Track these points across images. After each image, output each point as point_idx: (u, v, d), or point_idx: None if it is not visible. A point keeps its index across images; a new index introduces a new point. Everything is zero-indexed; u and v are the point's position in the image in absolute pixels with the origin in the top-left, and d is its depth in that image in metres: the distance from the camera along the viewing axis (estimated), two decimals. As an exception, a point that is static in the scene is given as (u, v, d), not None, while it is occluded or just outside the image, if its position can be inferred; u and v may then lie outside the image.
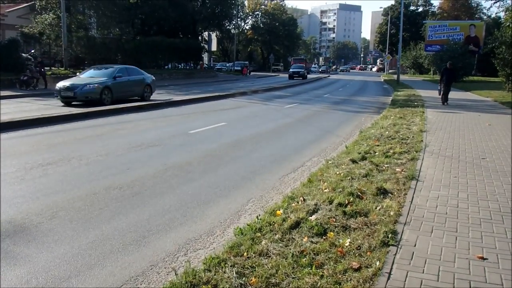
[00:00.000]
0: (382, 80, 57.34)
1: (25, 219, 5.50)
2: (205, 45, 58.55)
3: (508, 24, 27.36)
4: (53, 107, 17.20)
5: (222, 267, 3.97)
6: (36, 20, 36.15)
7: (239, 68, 63.82)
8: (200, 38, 58.84)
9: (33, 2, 40.32)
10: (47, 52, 35.40)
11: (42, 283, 4.01)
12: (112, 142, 10.78)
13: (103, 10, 40.82)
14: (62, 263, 4.40)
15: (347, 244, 4.45)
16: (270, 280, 3.76)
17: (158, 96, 23.65)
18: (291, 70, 57.49)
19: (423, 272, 3.94)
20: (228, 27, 70.75)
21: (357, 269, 3.95)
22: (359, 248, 4.39)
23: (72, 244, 4.84)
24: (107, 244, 4.87)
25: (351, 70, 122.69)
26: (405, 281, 3.79)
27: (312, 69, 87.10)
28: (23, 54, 29.97)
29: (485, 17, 68.95)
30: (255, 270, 3.93)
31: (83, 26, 39.60)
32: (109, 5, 40.25)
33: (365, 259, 4.16)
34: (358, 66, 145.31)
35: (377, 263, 4.05)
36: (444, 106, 20.01)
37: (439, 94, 21.59)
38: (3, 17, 39.30)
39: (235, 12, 66.82)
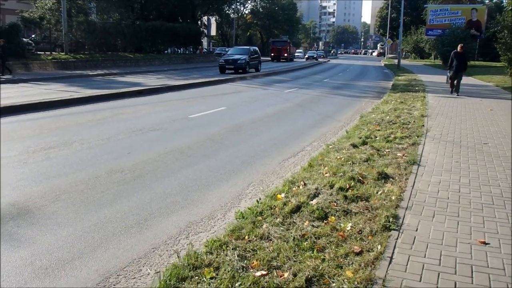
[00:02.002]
0: (383, 64, 57.19)
1: (28, 202, 5.53)
2: (204, 30, 58.19)
3: (510, 8, 27.13)
4: (54, 91, 17.16)
5: (223, 250, 4.00)
6: (36, 5, 35.88)
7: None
8: (199, 22, 58.45)
9: (33, -15, 39.98)
10: (47, 37, 35.15)
11: (46, 264, 4.05)
12: (113, 126, 10.78)
13: (102, -6, 40.54)
14: (65, 245, 4.44)
15: (348, 228, 4.48)
16: (271, 263, 3.79)
17: (158, 81, 23.65)
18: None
19: (424, 257, 3.97)
20: (227, 11, 70.30)
21: (359, 253, 3.98)
22: (360, 232, 4.42)
23: (75, 227, 4.87)
24: (110, 227, 4.91)
25: (352, 54, 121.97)
26: (406, 265, 3.82)
27: (297, 54, 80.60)
28: (23, 39, 29.79)
29: (487, 1, 68.36)
30: (256, 253, 3.96)
31: (83, 11, 39.28)
32: (109, -11, 39.96)
33: (366, 243, 4.19)
34: (353, 50, 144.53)
35: (379, 247, 4.07)
36: (447, 91, 18.82)
37: (447, 82, 19.01)
38: (3, 2, 38.97)
39: (234, -4, 66.38)
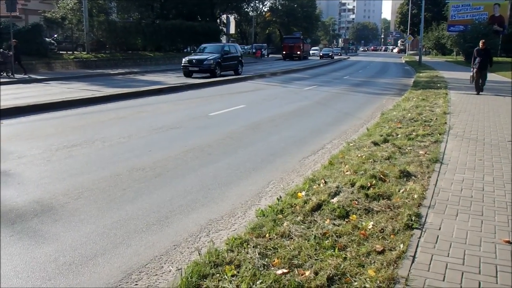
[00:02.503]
0: (403, 61, 56.52)
1: (52, 199, 5.61)
2: (223, 28, 58.25)
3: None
4: (76, 90, 17.40)
5: (244, 248, 4.00)
6: (58, 5, 36.38)
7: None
8: (218, 21, 58.60)
9: (55, -14, 40.57)
10: (69, 37, 35.66)
11: (69, 260, 4.10)
12: (134, 124, 10.88)
13: (123, -6, 40.95)
14: (88, 242, 4.49)
15: (370, 227, 4.44)
16: (292, 261, 3.77)
17: (178, 80, 23.79)
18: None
19: (448, 256, 3.91)
20: (246, 9, 70.34)
21: (381, 252, 3.94)
22: (382, 231, 4.37)
23: (97, 224, 4.92)
24: (131, 224, 4.95)
25: (372, 51, 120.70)
26: (429, 264, 3.77)
27: (312, 51, 75.52)
28: (46, 39, 30.24)
29: (510, -4, 67.00)
30: (277, 251, 3.95)
31: (104, 11, 39.71)
32: (129, -11, 40.35)
33: (388, 242, 4.14)
34: (372, 47, 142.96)
35: (401, 246, 4.02)
36: (470, 88, 18.10)
37: (471, 82, 17.51)
38: (27, 2, 39.63)
39: (253, -6, 66.32)
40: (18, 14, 33.37)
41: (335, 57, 69.15)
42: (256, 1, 75.21)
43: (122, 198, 5.73)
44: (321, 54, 69.37)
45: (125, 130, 10.03)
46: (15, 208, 5.29)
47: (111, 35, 36.73)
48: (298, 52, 57.90)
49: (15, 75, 22.32)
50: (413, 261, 3.80)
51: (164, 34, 41.17)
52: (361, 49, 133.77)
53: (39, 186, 6.12)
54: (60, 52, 32.55)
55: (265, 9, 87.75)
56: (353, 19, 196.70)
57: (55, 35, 36.50)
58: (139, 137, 9.34)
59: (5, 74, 22.05)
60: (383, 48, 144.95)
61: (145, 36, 39.97)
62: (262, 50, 65.12)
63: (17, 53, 22.79)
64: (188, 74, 25.40)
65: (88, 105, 13.87)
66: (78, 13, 34.91)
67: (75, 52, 33.00)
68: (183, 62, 25.89)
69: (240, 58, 28.89)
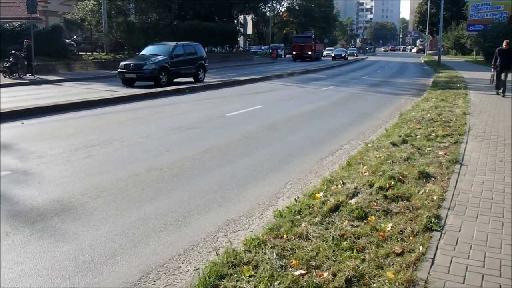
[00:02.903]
0: (422, 61, 55.96)
1: (71, 198, 5.68)
2: (240, 29, 58.41)
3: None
4: (95, 90, 17.59)
5: (262, 248, 3.99)
6: (78, 7, 36.85)
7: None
8: (235, 21, 58.76)
9: (74, -12, 41.11)
10: (88, 38, 36.11)
11: (89, 259, 4.14)
12: (151, 124, 10.96)
13: (141, -4, 41.31)
14: (107, 241, 4.53)
15: (388, 229, 4.40)
16: (310, 262, 3.75)
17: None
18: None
19: (468, 258, 3.86)
20: (263, 10, 70.30)
21: (400, 254, 3.90)
22: (401, 232, 4.33)
23: (116, 223, 4.97)
24: (150, 223, 4.98)
25: (390, 51, 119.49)
26: (449, 266, 3.72)
27: (326, 51, 71.63)
28: (65, 40, 30.63)
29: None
30: (295, 252, 3.93)
31: (122, 12, 40.11)
32: (147, -10, 40.69)
33: (407, 244, 4.10)
34: (390, 47, 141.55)
35: (420, 248, 3.98)
36: (490, 88, 17.72)
37: (491, 82, 17.13)
38: (47, 4, 40.23)
39: (270, -6, 66.26)
40: (38, 15, 33.76)
41: (351, 58, 66.20)
42: (274, 2, 75.10)
43: (140, 198, 5.77)
44: (333, 55, 62.64)
45: (143, 130, 10.11)
46: (36, 207, 5.37)
47: (130, 36, 37.07)
48: (309, 53, 54.79)
49: (28, 75, 22.46)
50: (432, 264, 3.76)
51: (181, 35, 41.33)
52: (382, 49, 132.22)
53: (59, 185, 6.19)
54: (80, 53, 32.97)
55: (282, 10, 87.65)
56: (371, 19, 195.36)
57: (75, 36, 36.98)
58: (157, 137, 9.40)
59: (17, 75, 22.02)
60: (402, 48, 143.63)
61: (162, 37, 40.15)
62: (279, 50, 64.86)
63: (29, 54, 22.63)
64: (126, 82, 19.98)
65: (107, 105, 14.01)
66: (97, 15, 35.31)
67: (94, 53, 33.40)
68: (119, 67, 20.53)
69: (202, 62, 22.78)
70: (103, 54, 32.90)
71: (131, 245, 4.47)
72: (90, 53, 32.73)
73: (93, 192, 5.92)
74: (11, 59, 22.05)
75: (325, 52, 70.97)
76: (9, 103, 13.22)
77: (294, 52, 55.92)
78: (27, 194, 5.79)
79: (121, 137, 9.25)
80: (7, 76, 21.82)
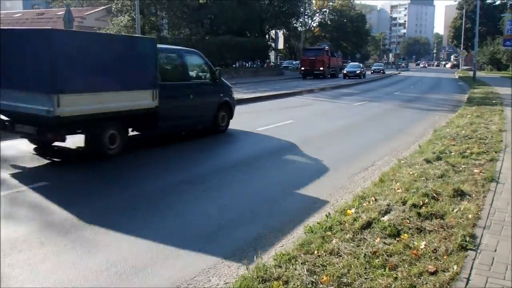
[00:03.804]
0: (457, 77, 54.99)
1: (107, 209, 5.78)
2: (272, 44, 58.73)
3: None
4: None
5: (292, 264, 3.97)
6: (112, 22, 37.84)
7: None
8: (267, 36, 59.14)
9: (109, 5, 42.24)
10: (122, 52, 37.00)
11: (121, 270, 4.20)
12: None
13: (174, 11, 42.06)
14: (139, 253, 4.58)
15: (422, 247, 4.30)
16: (341, 279, 3.71)
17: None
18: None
19: (504, 279, 3.74)
20: (295, 25, 70.53)
21: (433, 273, 3.81)
22: (435, 251, 4.23)
23: (148, 235, 5.02)
24: (180, 236, 5.02)
25: (422, 67, 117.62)
26: (484, 287, 3.62)
27: (349, 68, 50.48)
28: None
29: None
30: (326, 269, 3.89)
31: (155, 27, 40.98)
32: (180, 6, 41.40)
33: (441, 262, 4.00)
34: (424, 62, 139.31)
35: (455, 267, 3.88)
36: None
37: None
38: (83, 20, 41.47)
39: (302, 9, 66.38)
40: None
41: (374, 75, 55.19)
42: (305, 17, 75.35)
43: (170, 210, 5.83)
44: (345, 72, 48.88)
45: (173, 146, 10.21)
46: (70, 218, 5.48)
47: (163, 51, 37.75)
48: (322, 68, 44.18)
49: None
50: (467, 283, 3.67)
51: (213, 50, 41.84)
52: (421, 64, 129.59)
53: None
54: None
55: (314, 25, 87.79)
56: (404, 33, 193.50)
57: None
58: (188, 152, 9.49)
59: None
60: (436, 63, 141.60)
61: (195, 52, 40.85)
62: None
63: None
64: None
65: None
66: (131, 30, 36.11)
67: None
68: None
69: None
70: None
71: (162, 257, 4.51)
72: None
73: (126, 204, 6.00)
74: None
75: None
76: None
77: (302, 68, 45.88)
78: (62, 205, 5.92)
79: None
80: None
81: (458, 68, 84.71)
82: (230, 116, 12.22)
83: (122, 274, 4.15)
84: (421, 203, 5.47)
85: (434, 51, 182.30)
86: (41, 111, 7.41)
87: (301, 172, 8.04)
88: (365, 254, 4.12)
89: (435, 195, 5.81)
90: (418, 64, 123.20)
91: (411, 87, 35.67)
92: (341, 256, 4.14)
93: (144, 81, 8.98)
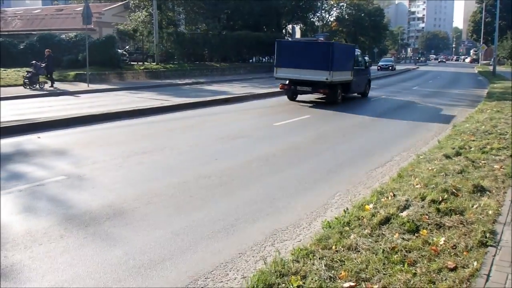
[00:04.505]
0: (476, 71, 54.21)
1: (123, 203, 5.83)
2: (289, 38, 58.46)
3: None
4: (146, 99, 18.03)
5: (310, 259, 3.96)
6: (130, 18, 38.02)
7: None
8: (284, 31, 58.87)
9: (127, 0, 42.47)
10: (140, 48, 37.16)
11: (139, 263, 4.23)
12: (200, 133, 11.13)
13: (191, 7, 42.14)
14: (157, 246, 4.61)
15: (441, 243, 4.26)
16: (360, 275, 3.69)
17: (243, 89, 24.08)
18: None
19: (525, 275, 3.69)
20: (312, 19, 70.06)
21: (453, 269, 3.78)
22: (454, 247, 4.19)
23: (165, 229, 5.05)
24: (198, 230, 5.04)
25: (440, 62, 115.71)
26: (505, 284, 3.57)
27: (382, 62, 55.28)
28: (118, 50, 31.61)
29: None
30: (344, 264, 3.87)
31: (172, 23, 41.05)
32: (197, 2, 41.44)
33: (461, 259, 3.96)
34: (443, 57, 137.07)
35: (475, 263, 3.84)
36: None
37: None
38: (101, 15, 41.75)
39: (319, 4, 65.99)
40: (93, 26, 35.04)
41: (382, 72, 48.61)
42: (323, 11, 74.84)
43: (189, 205, 5.86)
44: (378, 66, 49.70)
45: (193, 138, 10.27)
46: (89, 211, 5.54)
47: (179, 46, 37.85)
48: None
49: (47, 86, 21.47)
50: (487, 280, 3.62)
51: (230, 45, 41.90)
52: (442, 58, 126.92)
53: (112, 191, 6.37)
54: (131, 63, 33.90)
55: (332, 19, 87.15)
56: (423, 28, 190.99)
57: (127, 47, 38.12)
58: (206, 146, 9.53)
59: (37, 86, 20.91)
60: (455, 57, 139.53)
61: (211, 47, 40.85)
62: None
63: (49, 64, 21.81)
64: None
65: (157, 114, 14.32)
66: (149, 25, 36.27)
67: (145, 62, 34.26)
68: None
69: None
70: (153, 64, 33.69)
71: (180, 251, 4.54)
72: (141, 63, 33.58)
73: (144, 198, 6.05)
74: (32, 69, 21.07)
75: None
76: (54, 112, 13.76)
77: None
78: (81, 199, 5.99)
79: (171, 145, 9.43)
80: (28, 87, 20.69)
81: (478, 63, 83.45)
82: (369, 88, 22.22)
83: (140, 267, 4.18)
84: (441, 199, 5.42)
85: (453, 45, 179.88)
86: (322, 79, 16.76)
87: (318, 167, 8.01)
88: (383, 250, 4.10)
89: (455, 191, 5.75)
90: (436, 59, 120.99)
91: (430, 82, 35.26)
92: (359, 251, 4.12)
93: (350, 66, 18.79)
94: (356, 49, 20.62)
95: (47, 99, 18.05)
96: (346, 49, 20.15)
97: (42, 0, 74.02)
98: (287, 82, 17.98)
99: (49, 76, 22.03)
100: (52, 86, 21.87)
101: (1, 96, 17.00)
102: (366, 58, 24.17)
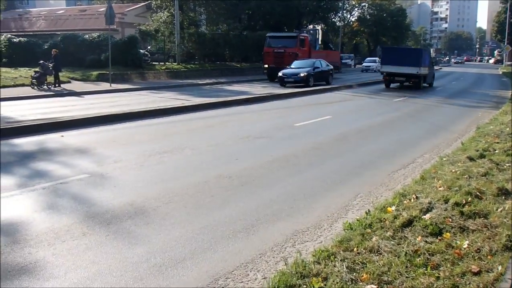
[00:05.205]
0: (501, 72, 53.23)
1: (144, 202, 5.87)
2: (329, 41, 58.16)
3: None
4: (167, 99, 18.18)
5: (331, 261, 3.93)
6: (152, 18, 38.40)
7: (344, 61, 61.98)
8: (304, 31, 58.70)
9: (149, 1, 42.86)
10: (161, 48, 37.48)
11: (160, 262, 4.26)
12: (221, 133, 11.16)
13: (212, 7, 42.34)
14: (178, 245, 4.64)
15: (465, 246, 4.19)
16: (382, 277, 3.64)
17: (264, 90, 24.08)
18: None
19: (552, 281, 3.60)
20: (333, 19, 69.72)
21: (477, 273, 3.71)
22: (478, 251, 4.11)
23: (186, 228, 5.07)
24: (218, 230, 5.04)
25: (466, 62, 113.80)
26: (531, 289, 3.48)
27: (368, 63, 50.57)
28: (140, 50, 31.91)
29: None
30: (366, 266, 3.83)
31: (194, 23, 41.29)
32: (218, 2, 41.62)
33: (485, 263, 3.89)
34: (465, 58, 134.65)
35: (499, 268, 3.76)
36: None
37: None
38: (123, 16, 42.19)
39: (341, 4, 65.62)
40: (115, 27, 35.44)
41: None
42: (344, 11, 74.38)
43: (209, 205, 5.87)
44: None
45: (213, 138, 10.30)
46: (111, 209, 5.60)
47: (201, 46, 38.05)
48: None
49: (54, 86, 21.49)
50: (513, 285, 3.54)
51: (250, 45, 41.93)
52: (458, 59, 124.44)
53: (133, 189, 6.43)
54: (153, 63, 34.19)
55: (353, 19, 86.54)
56: (446, 28, 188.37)
57: (149, 47, 38.45)
58: (226, 146, 9.56)
59: (45, 86, 20.96)
60: (478, 58, 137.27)
61: (232, 47, 40.96)
62: (348, 60, 64.00)
63: (56, 64, 21.73)
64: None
65: (178, 113, 14.41)
66: (170, 26, 36.56)
67: (167, 63, 34.51)
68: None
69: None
70: (175, 64, 33.95)
71: (200, 250, 4.55)
72: (162, 63, 33.86)
73: (165, 197, 6.09)
74: (39, 69, 21.06)
75: (364, 64, 53.44)
76: (72, 112, 13.94)
77: (265, 65, 32.54)
78: (103, 197, 6.06)
79: (192, 145, 9.47)
80: (35, 88, 20.63)
81: (502, 64, 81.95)
82: (434, 79, 30.06)
83: (162, 266, 4.20)
84: (464, 202, 5.33)
85: (477, 46, 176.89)
86: (414, 72, 25.00)
87: (340, 168, 7.96)
88: (406, 253, 4.05)
89: (479, 194, 5.64)
90: (459, 62, 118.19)
91: (453, 83, 34.76)
92: (381, 254, 4.07)
93: (428, 64, 26.99)
94: (429, 52, 31.73)
95: (53, 99, 18.20)
96: (427, 52, 29.16)
97: (66, 1, 75.18)
98: (384, 74, 26.59)
99: (55, 75, 21.84)
100: (56, 86, 21.71)
101: (8, 96, 17.19)
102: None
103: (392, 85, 26.77)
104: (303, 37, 34.27)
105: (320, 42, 66.12)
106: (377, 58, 50.92)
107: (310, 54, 33.50)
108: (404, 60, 24.97)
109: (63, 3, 69.35)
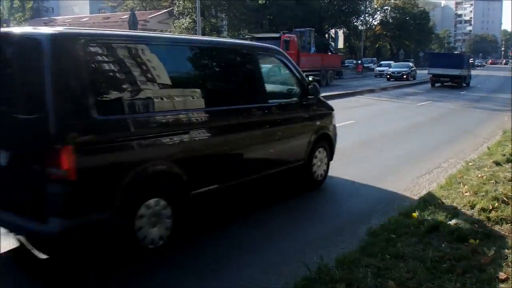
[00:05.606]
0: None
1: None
2: (331, 43, 58.02)
3: None
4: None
5: (355, 267, 3.92)
6: (174, 25, 38.77)
7: (367, 65, 61.62)
8: (326, 35, 58.56)
9: (171, 8, 43.32)
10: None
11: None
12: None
13: (234, 13, 42.55)
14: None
15: (492, 253, 4.13)
16: (407, 284, 3.62)
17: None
18: None
19: None
20: (355, 23, 69.45)
21: (504, 280, 3.67)
22: (505, 257, 4.05)
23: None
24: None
25: (490, 65, 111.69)
26: (558, 296, 3.42)
27: (381, 68, 46.83)
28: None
29: None
30: (390, 272, 3.81)
31: (216, 29, 41.58)
32: (239, 8, 41.83)
33: (513, 270, 3.83)
34: (490, 60, 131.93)
35: (527, 275, 3.71)
36: None
37: None
38: (146, 23, 42.74)
39: (363, 8, 65.29)
40: (139, 34, 35.92)
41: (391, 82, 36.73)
42: (366, 15, 73.97)
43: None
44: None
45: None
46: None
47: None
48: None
49: None
50: (540, 293, 3.48)
51: (272, 50, 41.98)
52: (478, 62, 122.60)
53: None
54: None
55: (375, 23, 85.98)
56: (470, 31, 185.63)
57: (172, 53, 38.81)
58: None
59: None
60: (504, 61, 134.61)
61: (254, 53, 41.07)
62: (371, 65, 63.49)
63: None
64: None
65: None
66: (193, 32, 36.85)
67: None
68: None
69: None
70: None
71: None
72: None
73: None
74: None
75: (378, 68, 49.49)
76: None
77: None
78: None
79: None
80: None
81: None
82: (470, 79, 36.03)
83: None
84: (491, 207, 5.26)
85: (502, 48, 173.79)
86: (457, 73, 31.36)
87: (363, 173, 7.89)
88: (431, 259, 4.01)
89: (506, 199, 5.55)
90: (481, 65, 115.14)
91: (478, 86, 34.23)
92: (406, 260, 4.04)
93: (467, 66, 34.04)
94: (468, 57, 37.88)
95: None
96: (467, 57, 36.61)
97: (90, 7, 76.50)
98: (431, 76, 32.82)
99: None
100: None
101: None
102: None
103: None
104: (287, 39, 29.29)
105: (342, 46, 65.70)
106: (391, 62, 49.34)
107: (298, 57, 28.00)
108: (448, 64, 30.59)
109: (86, 11, 70.57)
